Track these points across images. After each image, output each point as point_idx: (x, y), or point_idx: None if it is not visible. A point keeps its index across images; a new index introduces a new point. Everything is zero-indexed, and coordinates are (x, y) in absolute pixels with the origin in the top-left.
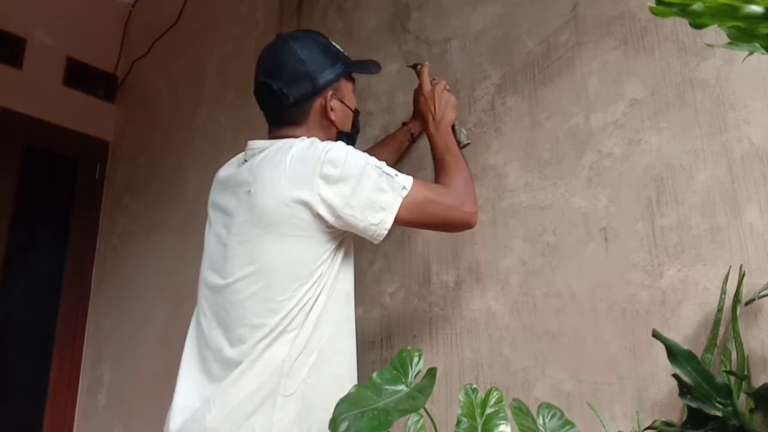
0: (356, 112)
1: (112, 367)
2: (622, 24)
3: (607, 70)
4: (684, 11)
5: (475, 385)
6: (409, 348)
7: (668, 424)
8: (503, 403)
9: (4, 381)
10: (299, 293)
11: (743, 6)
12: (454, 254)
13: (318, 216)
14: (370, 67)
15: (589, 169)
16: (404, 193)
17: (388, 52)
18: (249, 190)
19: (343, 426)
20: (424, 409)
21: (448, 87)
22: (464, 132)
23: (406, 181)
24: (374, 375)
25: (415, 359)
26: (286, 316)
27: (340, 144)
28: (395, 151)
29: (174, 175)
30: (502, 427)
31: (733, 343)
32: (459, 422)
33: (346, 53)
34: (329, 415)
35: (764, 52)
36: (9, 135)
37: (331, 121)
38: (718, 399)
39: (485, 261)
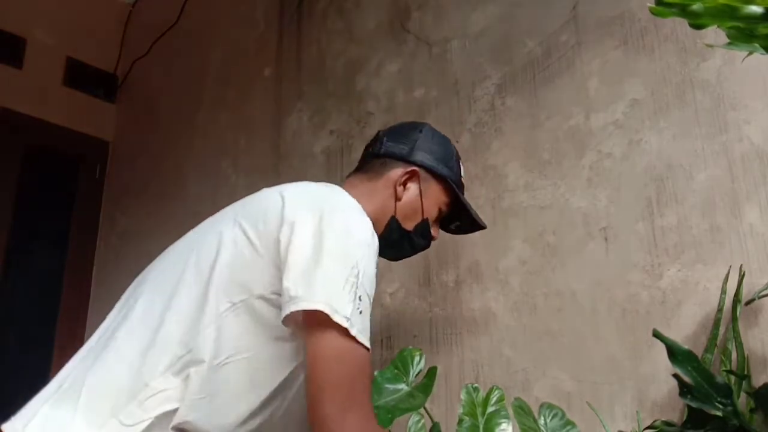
0: (425, 223)
1: None
2: (622, 24)
3: (607, 70)
4: (683, 11)
5: (476, 384)
6: (410, 347)
7: (668, 424)
8: (504, 402)
9: (4, 381)
10: None
11: (742, 6)
12: (454, 254)
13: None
14: (475, 216)
15: (589, 169)
16: (339, 320)
17: (388, 52)
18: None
19: None
20: (425, 408)
21: None
22: None
23: (362, 327)
24: (375, 374)
25: (416, 359)
26: None
27: (360, 223)
28: None
29: (174, 175)
30: (503, 426)
31: (733, 343)
32: (461, 421)
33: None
34: None
35: (764, 52)
36: (9, 135)
37: (397, 197)
38: (719, 399)
39: (485, 261)
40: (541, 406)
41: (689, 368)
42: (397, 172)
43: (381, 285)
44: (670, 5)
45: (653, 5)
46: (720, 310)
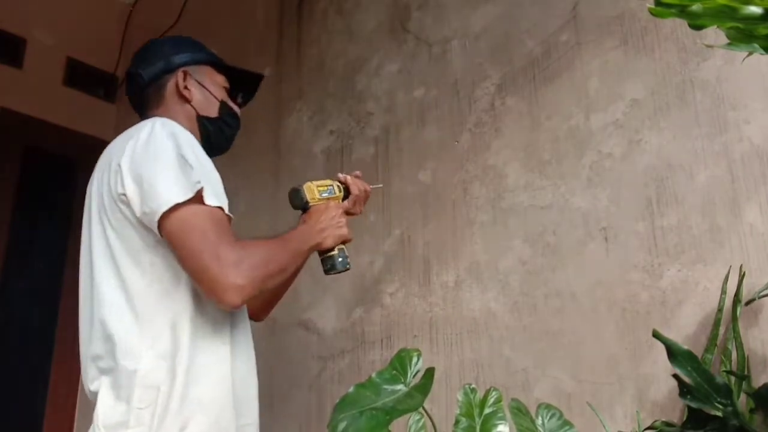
0: (223, 104)
1: None
2: (622, 24)
3: (607, 70)
4: (683, 12)
5: (473, 385)
6: (408, 348)
7: (668, 424)
8: (502, 403)
9: (4, 381)
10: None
11: (742, 7)
12: (454, 254)
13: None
14: (245, 70)
15: (589, 169)
16: (183, 198)
17: (388, 52)
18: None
19: (341, 426)
20: (423, 408)
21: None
22: (343, 259)
23: (196, 188)
24: (373, 375)
25: (414, 359)
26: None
27: (158, 124)
28: None
29: None
30: (500, 427)
31: (733, 343)
32: (457, 422)
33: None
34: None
35: (763, 52)
36: (9, 135)
37: (186, 99)
38: (718, 399)
39: (485, 261)
40: (539, 406)
41: (689, 368)
42: (172, 83)
43: (381, 285)
44: (669, 6)
45: (652, 6)
46: (720, 310)
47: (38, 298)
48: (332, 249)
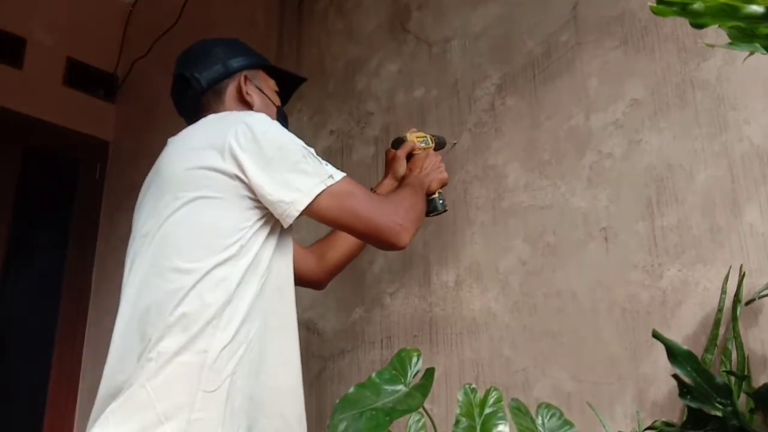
0: (279, 109)
1: None
2: (622, 24)
3: (607, 70)
4: (684, 11)
5: (474, 385)
6: (408, 348)
7: (668, 424)
8: (502, 403)
9: (4, 381)
10: (209, 263)
11: (743, 6)
12: (454, 254)
13: (235, 177)
14: (293, 74)
15: (589, 169)
16: (330, 182)
17: (388, 52)
18: (157, 169)
19: (342, 426)
20: (423, 408)
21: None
22: (443, 201)
23: (336, 173)
24: (373, 375)
25: (414, 359)
26: (193, 290)
27: (263, 116)
28: None
29: None
30: (500, 427)
31: (733, 343)
32: (457, 422)
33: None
34: (252, 424)
35: (764, 52)
36: (9, 135)
37: (249, 105)
38: (718, 399)
39: (485, 261)
40: (539, 406)
41: (689, 369)
42: (232, 88)
43: (381, 285)
44: (670, 4)
45: (654, 4)
46: (720, 310)
47: (38, 298)
48: (434, 192)
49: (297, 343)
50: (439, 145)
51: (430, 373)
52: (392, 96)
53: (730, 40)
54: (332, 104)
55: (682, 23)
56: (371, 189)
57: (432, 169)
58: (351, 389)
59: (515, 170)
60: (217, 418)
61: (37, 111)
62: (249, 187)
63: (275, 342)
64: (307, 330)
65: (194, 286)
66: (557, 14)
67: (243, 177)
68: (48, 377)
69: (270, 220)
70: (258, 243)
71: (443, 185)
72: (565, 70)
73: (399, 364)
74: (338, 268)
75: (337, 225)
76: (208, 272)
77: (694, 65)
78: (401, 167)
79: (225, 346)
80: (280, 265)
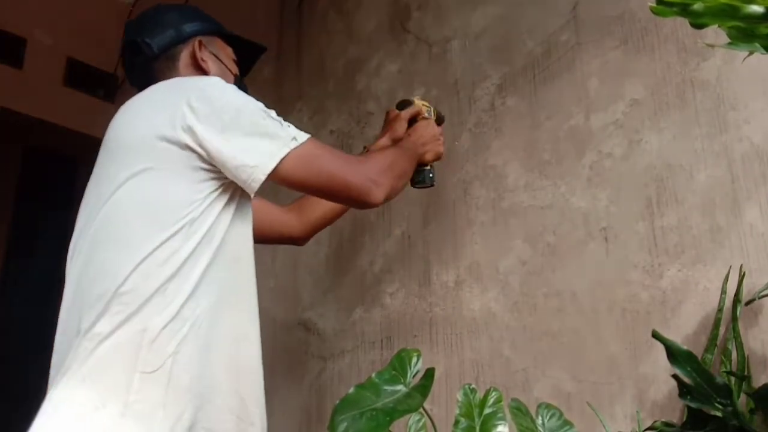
0: (238, 78)
1: None
2: (622, 24)
3: (607, 70)
4: (684, 11)
5: (473, 385)
6: (408, 348)
7: (668, 424)
8: (502, 403)
9: (4, 381)
10: (156, 239)
11: (743, 6)
12: (454, 254)
13: (186, 147)
14: (251, 42)
15: (589, 169)
16: (293, 144)
17: (388, 52)
18: (105, 140)
19: (342, 427)
20: (423, 408)
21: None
22: (433, 175)
23: (300, 134)
24: (373, 375)
25: (414, 359)
26: (136, 270)
27: (218, 79)
28: None
29: None
30: (500, 428)
31: (734, 343)
32: (457, 422)
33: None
34: (204, 404)
35: (764, 52)
36: (9, 135)
37: (204, 71)
38: (718, 399)
39: (485, 261)
40: (539, 406)
41: (689, 369)
42: (186, 53)
43: (381, 285)
44: (671, 4)
45: (654, 4)
46: (720, 310)
47: (38, 298)
48: (427, 164)
49: (256, 318)
50: (440, 119)
51: (430, 373)
52: (392, 96)
53: (730, 40)
54: (332, 104)
55: (682, 23)
56: (364, 147)
57: (431, 139)
58: (351, 390)
59: (515, 170)
60: (158, 401)
61: (37, 111)
62: (203, 157)
63: (229, 316)
64: (307, 330)
65: (139, 264)
66: (557, 14)
67: (196, 147)
68: (48, 377)
69: (228, 189)
70: (212, 215)
71: (437, 158)
72: (565, 70)
73: (399, 365)
74: (319, 225)
75: (305, 188)
76: (154, 249)
77: (694, 65)
78: (401, 128)
79: (167, 324)
80: (237, 235)
